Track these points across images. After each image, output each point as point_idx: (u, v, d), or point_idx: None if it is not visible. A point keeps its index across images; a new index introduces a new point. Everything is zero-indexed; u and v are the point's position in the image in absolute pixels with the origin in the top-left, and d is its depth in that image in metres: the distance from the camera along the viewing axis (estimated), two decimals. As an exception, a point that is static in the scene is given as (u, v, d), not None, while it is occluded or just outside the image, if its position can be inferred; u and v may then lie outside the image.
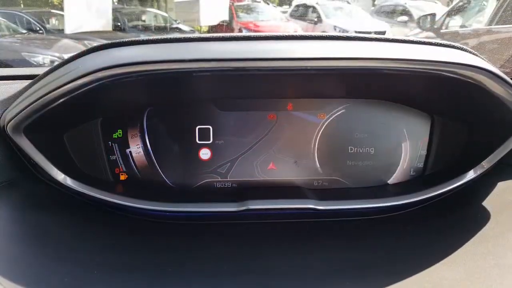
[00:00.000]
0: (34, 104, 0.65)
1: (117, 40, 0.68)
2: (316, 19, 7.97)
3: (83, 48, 0.69)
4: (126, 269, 0.60)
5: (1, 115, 0.71)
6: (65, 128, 0.78)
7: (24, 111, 0.66)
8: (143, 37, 0.69)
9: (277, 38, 0.68)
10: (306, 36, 0.69)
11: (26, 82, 0.75)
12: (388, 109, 0.86)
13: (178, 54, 0.63)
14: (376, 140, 0.86)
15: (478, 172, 0.77)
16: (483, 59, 0.69)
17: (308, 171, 0.87)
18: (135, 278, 0.58)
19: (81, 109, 0.74)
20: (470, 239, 0.65)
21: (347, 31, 6.52)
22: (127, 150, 0.84)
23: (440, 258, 0.60)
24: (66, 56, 0.71)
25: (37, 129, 0.70)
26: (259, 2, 9.28)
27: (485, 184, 0.80)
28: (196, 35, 0.69)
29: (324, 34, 0.70)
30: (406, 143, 0.87)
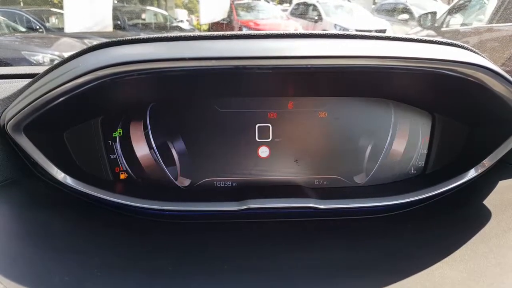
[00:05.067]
0: (34, 103, 0.65)
1: (117, 39, 0.68)
2: (316, 18, 7.95)
3: (83, 47, 0.69)
4: (125, 268, 0.60)
5: (1, 114, 0.71)
6: (65, 127, 0.77)
7: (24, 110, 0.66)
8: (143, 35, 0.69)
9: (278, 37, 0.68)
10: (306, 34, 0.69)
11: (26, 81, 0.74)
12: (389, 108, 0.86)
13: (178, 53, 0.63)
14: (376, 138, 0.86)
15: (479, 171, 0.76)
16: (484, 57, 0.69)
17: (309, 170, 0.87)
18: (135, 277, 0.58)
19: (81, 107, 0.74)
20: (471, 238, 0.65)
21: (347, 30, 6.51)
22: (127, 149, 0.83)
23: (441, 257, 0.60)
24: (66, 55, 0.71)
25: (37, 128, 0.70)
26: (259, 0, 9.26)
27: (486, 183, 0.79)
28: (197, 33, 0.69)
29: (324, 32, 0.70)
30: (407, 141, 0.87)
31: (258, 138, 0.85)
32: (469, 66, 0.64)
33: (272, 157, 0.86)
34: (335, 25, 7.28)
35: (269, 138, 0.85)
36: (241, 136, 0.85)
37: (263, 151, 0.86)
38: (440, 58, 0.64)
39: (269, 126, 0.85)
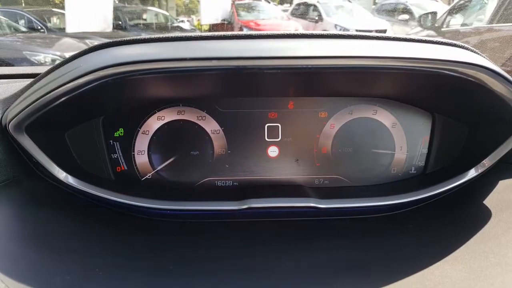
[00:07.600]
0: (36, 103, 0.65)
1: (118, 39, 0.68)
2: (317, 18, 7.94)
3: (84, 47, 0.69)
4: (127, 267, 0.60)
5: (3, 114, 0.71)
6: (66, 127, 0.78)
7: (26, 109, 0.66)
8: (144, 36, 0.69)
9: (279, 37, 0.68)
10: (307, 34, 0.69)
11: (27, 81, 0.75)
12: (389, 108, 0.86)
13: (179, 53, 0.63)
14: (377, 138, 0.86)
15: (479, 171, 0.76)
16: (484, 57, 0.69)
17: (309, 170, 0.87)
18: (136, 276, 0.58)
19: (82, 107, 0.74)
20: (471, 237, 0.65)
21: (348, 30, 6.50)
22: (129, 149, 0.84)
23: (442, 257, 0.60)
24: (67, 55, 0.71)
25: (39, 127, 0.70)
26: (260, 0, 9.26)
27: (486, 183, 0.79)
28: (197, 33, 0.69)
29: (325, 32, 0.70)
30: (407, 141, 0.87)
31: (259, 138, 0.85)
32: (469, 66, 0.64)
33: (271, 157, 0.86)
34: (336, 25, 7.27)
35: (269, 138, 0.85)
36: (241, 136, 0.85)
37: (270, 151, 0.86)
38: (440, 59, 0.64)
39: (269, 126, 0.85)
